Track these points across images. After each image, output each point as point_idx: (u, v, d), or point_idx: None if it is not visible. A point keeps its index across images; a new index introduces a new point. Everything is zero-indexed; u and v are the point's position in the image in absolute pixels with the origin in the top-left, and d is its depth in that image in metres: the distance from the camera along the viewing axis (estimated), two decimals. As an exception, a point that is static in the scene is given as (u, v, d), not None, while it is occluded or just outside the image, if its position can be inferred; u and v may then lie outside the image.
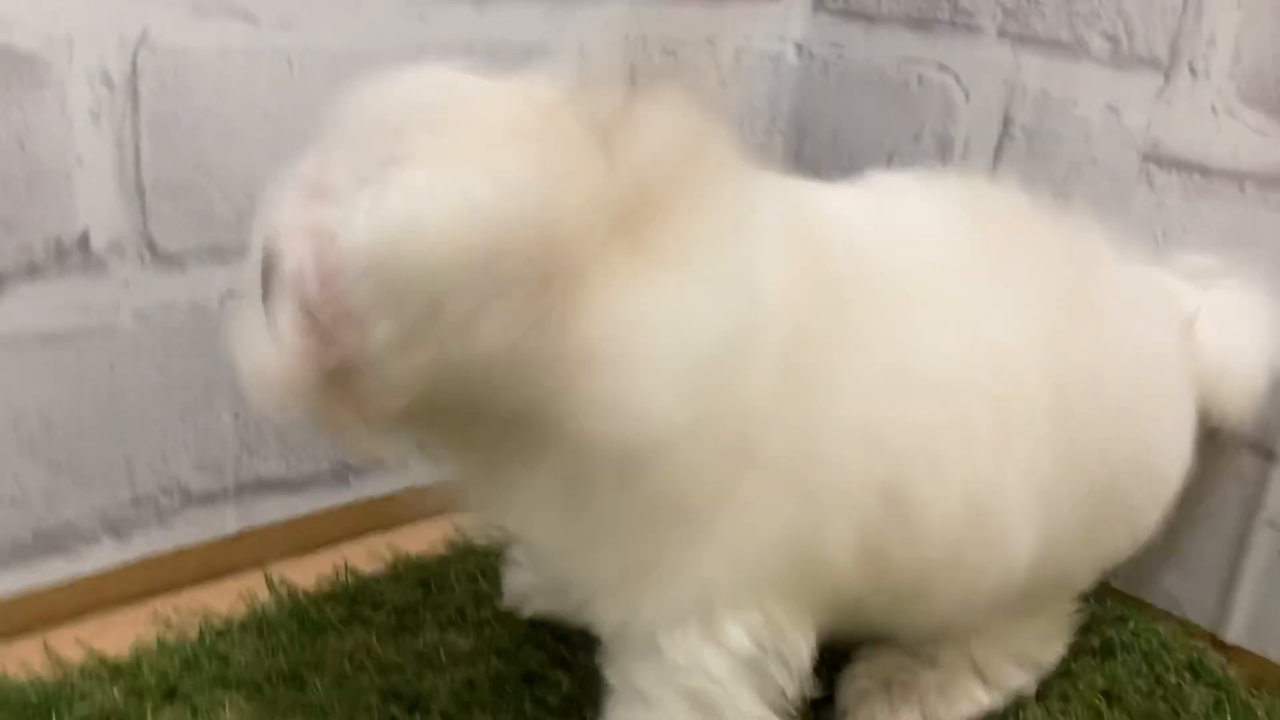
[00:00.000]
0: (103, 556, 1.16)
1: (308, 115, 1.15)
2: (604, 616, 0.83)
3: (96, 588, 1.15)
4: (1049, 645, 1.14)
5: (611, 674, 0.86)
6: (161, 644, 1.09)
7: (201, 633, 1.11)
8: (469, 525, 1.31)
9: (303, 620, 1.14)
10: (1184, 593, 1.31)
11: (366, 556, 1.27)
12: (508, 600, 1.17)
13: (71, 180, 1.04)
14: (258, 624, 1.13)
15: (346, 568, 1.23)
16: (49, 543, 1.12)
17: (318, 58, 1.16)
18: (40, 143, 1.02)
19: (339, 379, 0.72)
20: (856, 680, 1.07)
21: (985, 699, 1.08)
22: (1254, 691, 1.21)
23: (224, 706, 1.00)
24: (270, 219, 0.75)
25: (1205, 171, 1.21)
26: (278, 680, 1.06)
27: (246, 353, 0.75)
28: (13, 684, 1.01)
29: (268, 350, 0.72)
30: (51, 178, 1.03)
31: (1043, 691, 1.17)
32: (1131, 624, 1.29)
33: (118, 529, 1.16)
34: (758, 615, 0.79)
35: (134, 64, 1.05)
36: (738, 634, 0.79)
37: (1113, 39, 1.27)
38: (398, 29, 1.20)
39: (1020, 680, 1.11)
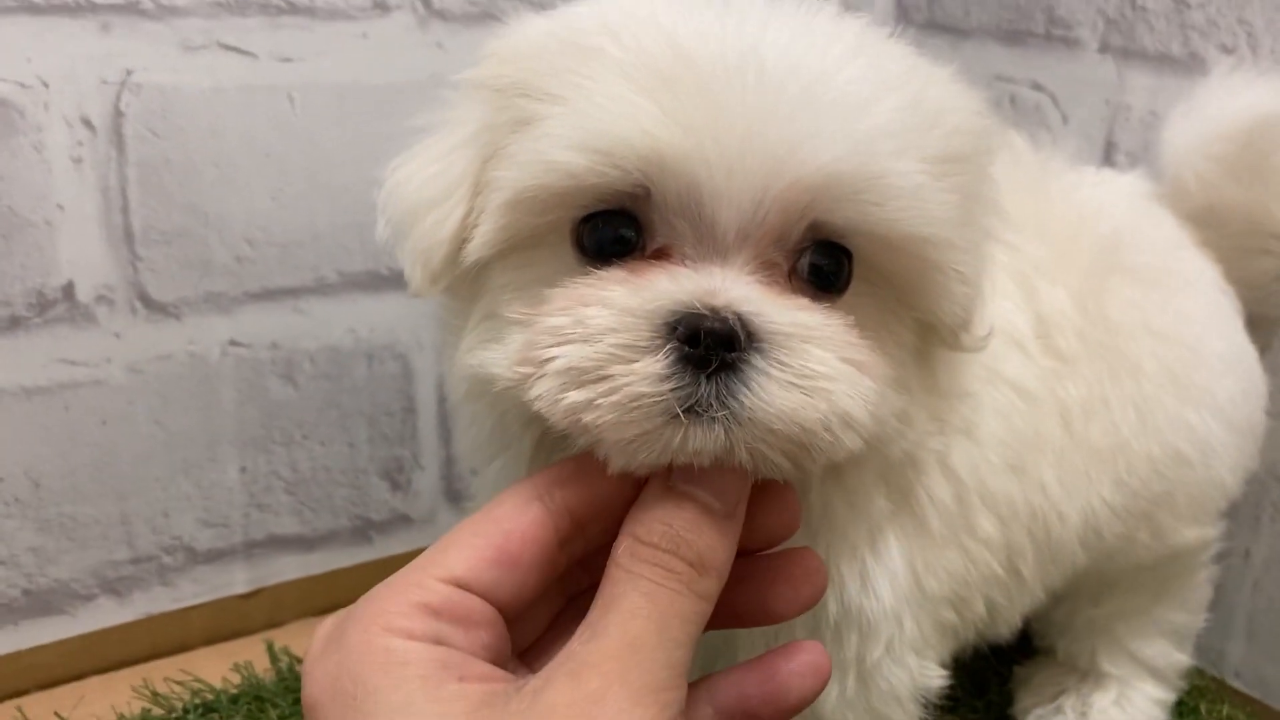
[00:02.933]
0: (100, 616, 1.11)
1: (312, 153, 1.10)
2: None
3: (94, 648, 1.11)
4: (1193, 613, 1.09)
5: None
6: (145, 716, 1.03)
7: (185, 709, 1.04)
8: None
9: (298, 695, 1.06)
10: (1315, 701, 1.11)
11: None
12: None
13: (53, 229, 0.99)
14: (251, 698, 1.06)
15: (352, 636, 1.15)
16: (41, 603, 1.08)
17: (322, 92, 1.08)
18: (16, 191, 0.97)
19: None
20: (1025, 700, 1.12)
21: (1160, 693, 1.09)
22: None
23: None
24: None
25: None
26: (256, 764, 0.98)
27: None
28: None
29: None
30: (30, 227, 0.98)
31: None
32: (1243, 734, 1.10)
33: (115, 588, 1.11)
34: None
35: (117, 106, 1.00)
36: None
37: (1233, 52, 1.08)
38: (411, 59, 1.11)
39: (1179, 657, 1.09)
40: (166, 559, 1.13)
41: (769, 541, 0.56)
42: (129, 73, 0.99)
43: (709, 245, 0.55)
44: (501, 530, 0.51)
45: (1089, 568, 0.96)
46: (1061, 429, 0.87)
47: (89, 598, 1.10)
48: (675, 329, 0.52)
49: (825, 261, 0.58)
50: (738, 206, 0.54)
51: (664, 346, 0.51)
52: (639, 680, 0.46)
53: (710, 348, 0.51)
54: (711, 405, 0.51)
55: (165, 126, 1.02)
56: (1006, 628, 0.93)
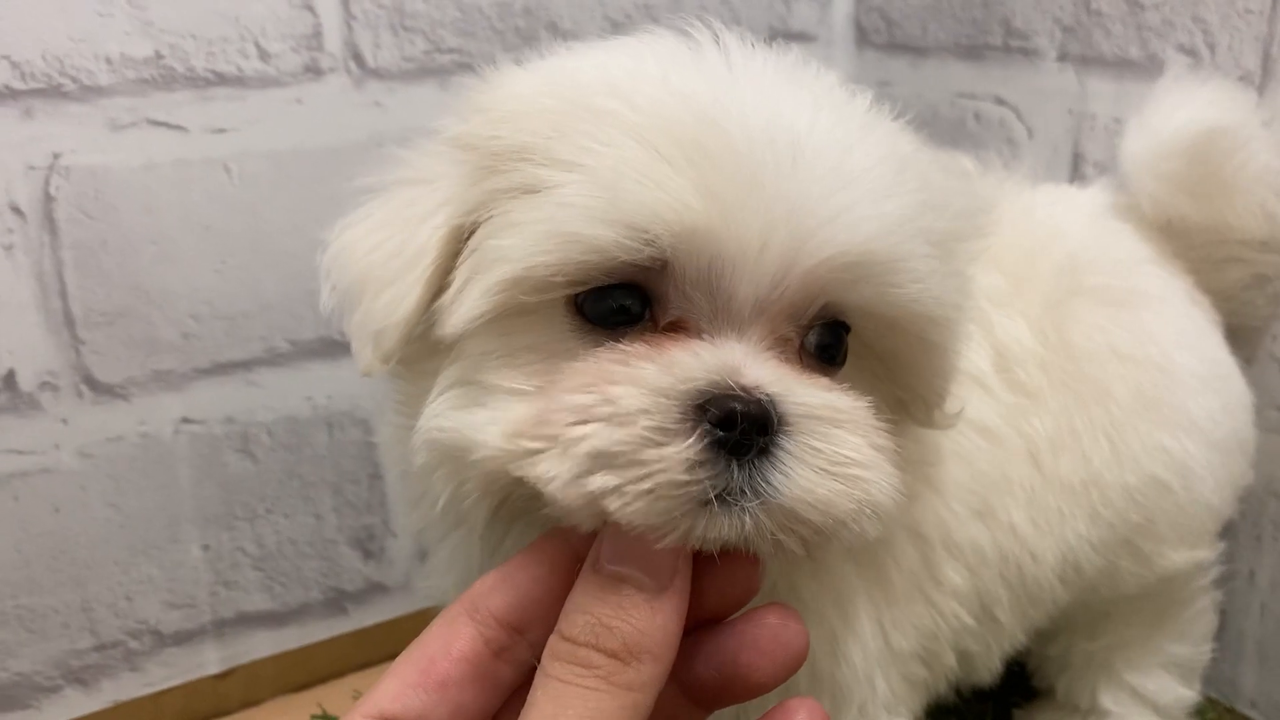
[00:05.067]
0: (67, 708, 1.09)
1: (254, 222, 1.09)
2: None
3: (63, 742, 1.09)
4: (1196, 644, 1.03)
5: None
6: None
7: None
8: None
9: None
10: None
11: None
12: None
13: (-11, 318, 0.98)
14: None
15: (325, 716, 1.12)
16: (3, 697, 1.06)
17: (259, 161, 1.07)
18: (-53, 283, 0.96)
19: None
20: None
21: None
22: None
23: None
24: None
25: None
26: None
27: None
28: None
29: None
30: (-36, 318, 0.97)
31: None
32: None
33: (81, 678, 1.09)
34: None
35: (46, 191, 0.98)
36: None
37: (1191, 52, 1.04)
38: (349, 120, 1.09)
39: (1185, 692, 1.03)
40: (133, 644, 1.11)
41: (727, 607, 0.52)
42: (56, 156, 0.98)
43: (724, 319, 0.53)
44: (427, 654, 0.49)
45: (1075, 602, 0.91)
46: (1030, 466, 0.83)
47: (54, 689, 1.08)
48: (706, 410, 0.48)
49: (827, 337, 0.57)
50: (757, 281, 0.52)
51: (695, 429, 0.48)
52: None
53: (746, 432, 0.48)
54: (744, 493, 0.48)
55: (98, 207, 1.01)
56: (987, 673, 0.89)
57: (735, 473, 0.48)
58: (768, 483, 0.48)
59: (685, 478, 0.47)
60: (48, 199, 0.99)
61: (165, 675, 1.13)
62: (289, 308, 1.11)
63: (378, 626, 1.23)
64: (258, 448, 1.13)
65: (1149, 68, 1.07)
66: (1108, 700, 1.02)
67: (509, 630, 0.49)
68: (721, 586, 0.51)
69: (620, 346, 0.52)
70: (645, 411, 0.48)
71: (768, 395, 0.49)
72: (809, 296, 0.54)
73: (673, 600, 0.48)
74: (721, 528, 0.48)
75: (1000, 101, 1.20)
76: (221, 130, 1.05)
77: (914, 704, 0.82)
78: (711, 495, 0.48)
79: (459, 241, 0.57)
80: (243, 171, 1.06)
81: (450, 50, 1.13)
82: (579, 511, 0.49)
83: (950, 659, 0.81)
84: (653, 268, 0.53)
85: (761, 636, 0.50)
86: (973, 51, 1.22)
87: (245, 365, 1.11)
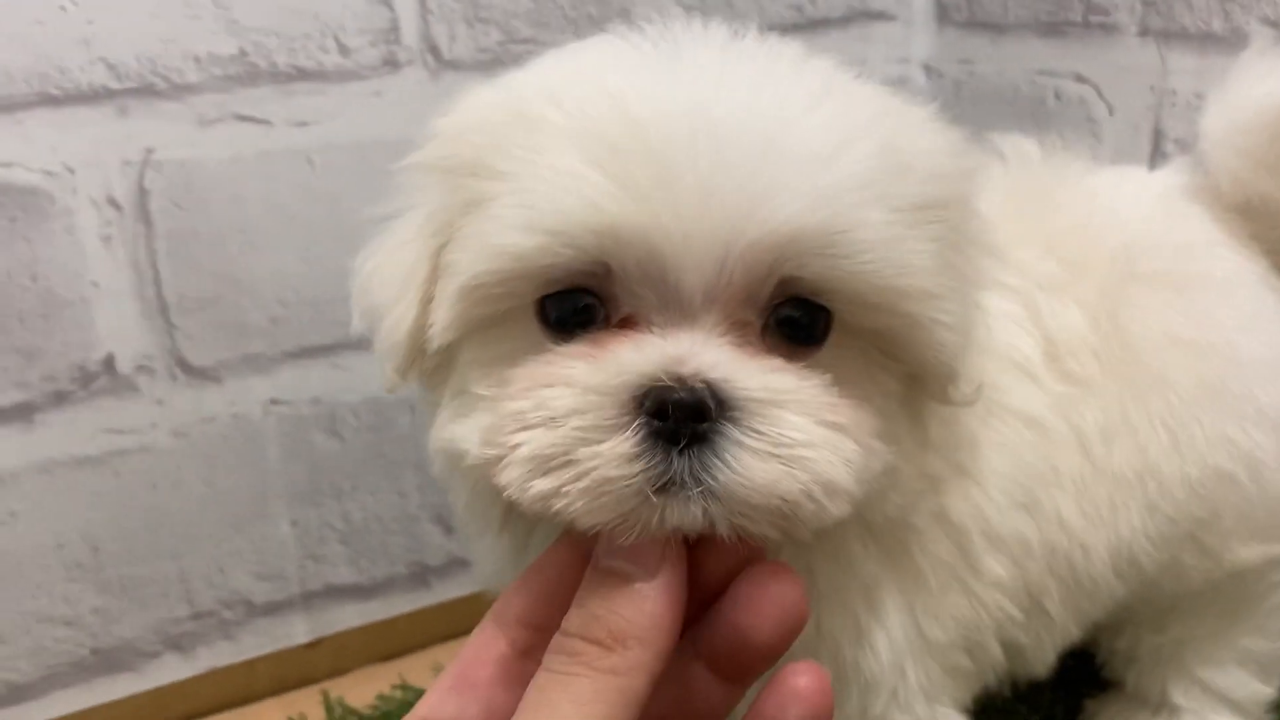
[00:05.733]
0: (166, 672, 1.16)
1: (337, 211, 1.13)
2: None
3: (162, 703, 1.15)
4: (1273, 639, 0.99)
5: None
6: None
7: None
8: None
9: (348, 745, 1.09)
10: None
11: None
12: None
13: (90, 306, 1.04)
14: (306, 748, 1.09)
15: (404, 686, 1.17)
16: (109, 660, 1.13)
17: (340, 152, 1.11)
18: (52, 273, 1.02)
19: None
20: None
21: None
22: None
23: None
24: None
25: None
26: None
27: None
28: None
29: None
30: (68, 305, 1.03)
31: None
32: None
33: (180, 644, 1.16)
34: None
35: (141, 184, 1.04)
36: None
37: (1276, 24, 1.00)
38: (427, 110, 1.12)
39: (1260, 687, 1.00)
40: (226, 613, 1.17)
41: (728, 576, 0.52)
42: (150, 151, 1.04)
43: (675, 310, 0.53)
44: (461, 662, 0.52)
45: (1136, 596, 0.89)
46: (1080, 457, 0.81)
47: (154, 654, 1.15)
48: (643, 403, 0.49)
49: (799, 314, 0.55)
50: (700, 270, 0.52)
51: (632, 423, 0.49)
52: None
53: (680, 421, 0.49)
54: (686, 482, 0.49)
55: (189, 199, 1.06)
56: (1040, 666, 0.88)
57: (675, 462, 0.49)
58: (706, 471, 0.49)
59: (619, 473, 0.49)
60: (142, 192, 1.04)
61: (257, 644, 1.19)
62: (370, 293, 1.15)
63: (459, 600, 1.27)
64: (344, 428, 1.18)
65: (1233, 41, 1.03)
66: (1178, 695, 1.00)
67: (530, 629, 0.52)
68: (720, 557, 0.52)
69: (559, 349, 0.53)
70: (576, 411, 0.50)
71: (706, 382, 0.50)
72: (757, 278, 0.53)
73: (661, 588, 0.49)
74: (673, 517, 0.49)
75: (1081, 79, 1.18)
76: (304, 123, 1.09)
77: (959, 694, 0.81)
78: (650, 487, 0.48)
79: (438, 260, 0.60)
80: (325, 162, 1.11)
81: (524, 40, 1.16)
82: (540, 515, 0.50)
83: (995, 650, 0.80)
84: (596, 272, 0.53)
85: (754, 594, 0.50)
86: (1053, 28, 1.19)
87: (330, 349, 1.15)
